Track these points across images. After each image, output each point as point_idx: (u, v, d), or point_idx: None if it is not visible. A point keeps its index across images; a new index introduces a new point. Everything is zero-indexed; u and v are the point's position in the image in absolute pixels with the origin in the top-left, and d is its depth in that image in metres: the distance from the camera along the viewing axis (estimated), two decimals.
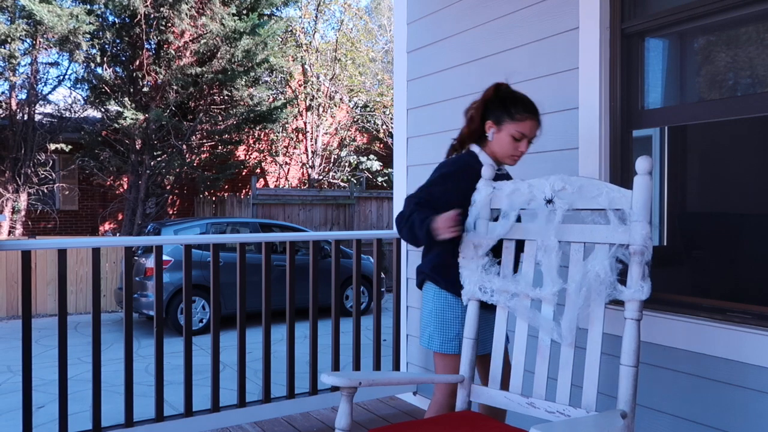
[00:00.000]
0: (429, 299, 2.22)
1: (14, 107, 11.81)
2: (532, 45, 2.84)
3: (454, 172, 2.15)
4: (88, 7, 11.27)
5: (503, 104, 2.16)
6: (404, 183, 3.70)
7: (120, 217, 13.44)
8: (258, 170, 15.24)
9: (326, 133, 15.80)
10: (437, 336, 2.17)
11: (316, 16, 15.66)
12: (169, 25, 11.64)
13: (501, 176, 2.21)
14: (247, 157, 15.22)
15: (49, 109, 12.43)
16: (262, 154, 15.39)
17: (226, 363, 5.32)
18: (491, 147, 2.19)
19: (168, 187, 13.12)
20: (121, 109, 11.43)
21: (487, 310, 2.14)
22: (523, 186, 1.94)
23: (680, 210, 2.64)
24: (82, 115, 12.62)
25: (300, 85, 15.44)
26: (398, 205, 3.75)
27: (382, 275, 8.99)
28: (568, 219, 1.85)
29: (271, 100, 14.13)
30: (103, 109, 12.17)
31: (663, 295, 2.32)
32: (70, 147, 12.07)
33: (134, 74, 11.89)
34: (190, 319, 3.05)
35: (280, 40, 13.85)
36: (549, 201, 1.87)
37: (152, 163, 12.08)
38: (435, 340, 2.18)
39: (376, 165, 15.94)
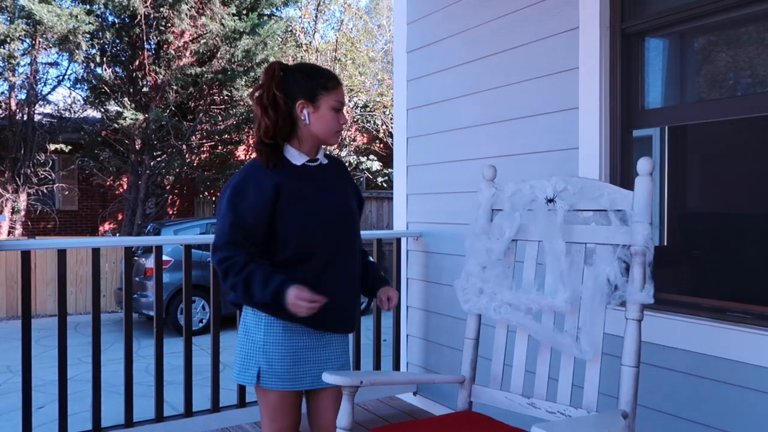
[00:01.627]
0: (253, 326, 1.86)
1: (14, 107, 11.80)
2: (532, 45, 2.84)
3: (245, 195, 1.78)
4: (88, 7, 11.26)
5: (309, 77, 1.85)
6: (404, 183, 3.70)
7: (120, 217, 13.44)
8: None
9: None
10: (252, 368, 1.84)
11: (316, 16, 15.66)
12: (169, 25, 11.63)
13: (317, 168, 1.90)
14: (247, 157, 15.20)
15: (48, 109, 12.43)
16: None
17: (226, 363, 5.30)
18: (310, 130, 1.85)
19: (168, 187, 13.11)
20: (120, 109, 11.43)
21: (330, 331, 1.89)
22: (524, 187, 1.94)
23: (680, 210, 2.64)
24: (81, 116, 12.62)
25: None
26: (399, 206, 3.75)
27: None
28: (568, 219, 1.85)
29: None
30: (102, 109, 12.16)
31: (663, 295, 2.32)
32: (69, 147, 12.06)
33: (134, 74, 11.88)
34: (190, 319, 3.05)
35: (280, 40, 13.84)
36: (550, 200, 1.87)
37: (152, 163, 12.08)
38: (250, 372, 1.84)
39: (376, 165, 15.93)
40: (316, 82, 1.84)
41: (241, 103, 12.92)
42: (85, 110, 12.65)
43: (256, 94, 1.85)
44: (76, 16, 10.72)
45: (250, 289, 1.75)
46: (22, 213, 11.93)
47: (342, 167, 2.02)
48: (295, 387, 1.85)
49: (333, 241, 1.86)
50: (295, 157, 1.87)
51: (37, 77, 12.01)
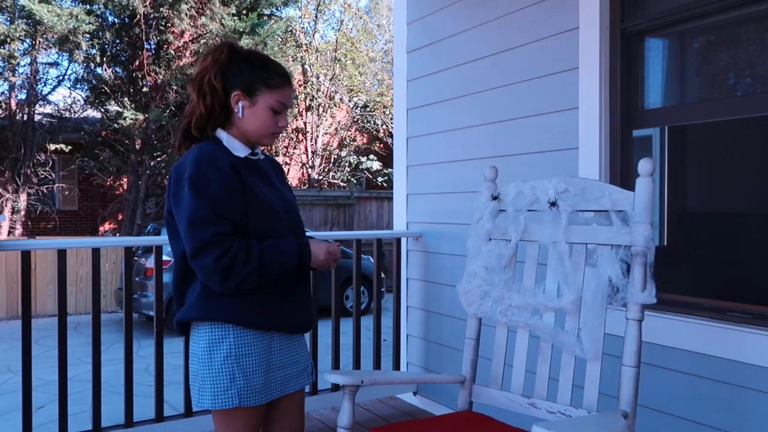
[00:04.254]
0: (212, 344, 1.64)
1: (14, 107, 11.80)
2: (532, 45, 2.84)
3: (210, 178, 1.58)
4: (88, 7, 11.26)
5: (252, 68, 1.67)
6: (404, 183, 3.70)
7: (120, 217, 13.44)
8: None
9: (326, 133, 15.80)
10: (212, 388, 1.65)
11: (316, 16, 15.66)
12: (169, 25, 11.63)
13: (258, 162, 1.75)
14: None
15: (48, 109, 12.43)
16: None
17: None
18: (242, 125, 1.69)
19: None
20: (120, 110, 11.43)
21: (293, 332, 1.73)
22: (525, 188, 1.94)
23: (680, 210, 2.64)
24: (81, 116, 12.62)
25: (300, 85, 15.43)
26: (399, 206, 3.75)
27: (382, 275, 8.99)
28: (570, 220, 1.85)
29: None
30: (102, 110, 12.17)
31: (663, 295, 2.32)
32: (69, 147, 12.06)
33: (134, 74, 11.88)
34: None
35: (280, 40, 13.84)
36: (553, 204, 1.87)
37: (152, 163, 12.08)
38: (207, 394, 1.66)
39: (376, 165, 15.93)
40: (258, 75, 1.66)
41: None
42: (85, 110, 12.66)
43: (198, 77, 1.66)
44: (76, 16, 10.72)
45: (267, 269, 1.58)
46: (22, 213, 11.93)
47: (279, 166, 1.89)
48: (269, 398, 1.67)
49: (291, 227, 1.73)
50: (237, 148, 1.69)
51: (37, 77, 12.01)
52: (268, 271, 1.59)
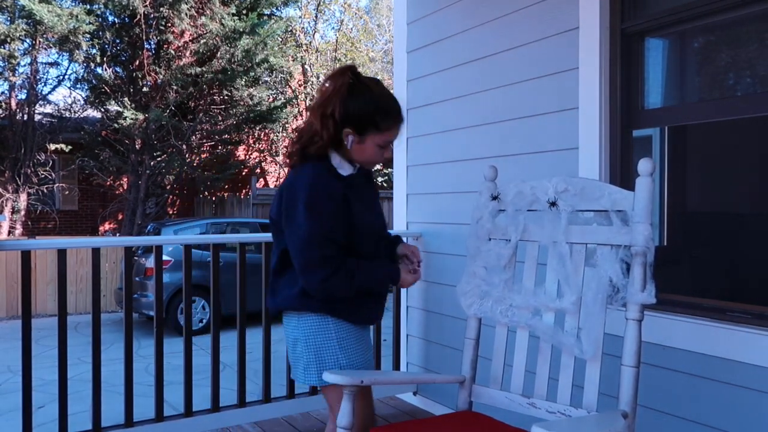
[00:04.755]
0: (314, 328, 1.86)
1: (14, 107, 11.81)
2: (532, 45, 2.84)
3: (323, 206, 1.76)
4: (88, 7, 11.27)
5: (368, 109, 1.80)
6: (404, 183, 3.70)
7: (120, 217, 13.44)
8: (258, 170, 15.24)
9: None
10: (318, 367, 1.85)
11: (316, 16, 15.67)
12: (169, 25, 11.64)
13: (360, 176, 1.91)
14: (247, 157, 15.22)
15: (48, 109, 12.44)
16: (262, 154, 15.39)
17: (226, 363, 5.31)
18: (350, 154, 1.85)
19: (168, 187, 13.12)
20: (121, 109, 11.43)
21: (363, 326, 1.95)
22: (525, 188, 1.94)
23: (680, 210, 2.65)
24: (81, 115, 12.63)
25: (300, 85, 15.44)
26: (399, 206, 3.75)
27: None
28: (569, 220, 1.85)
29: (270, 100, 14.13)
30: (103, 109, 12.17)
31: (663, 295, 2.32)
32: (70, 147, 12.07)
33: (134, 74, 11.89)
34: (190, 319, 3.05)
35: (280, 40, 13.85)
36: (552, 203, 1.87)
37: (152, 163, 12.08)
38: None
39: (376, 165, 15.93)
40: (371, 119, 1.80)
41: (241, 103, 12.92)
42: (86, 110, 12.66)
43: (321, 106, 1.79)
44: (77, 16, 10.73)
45: (360, 292, 1.83)
46: (23, 213, 11.94)
47: (370, 176, 2.04)
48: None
49: (382, 239, 1.97)
50: (344, 168, 1.85)
51: (38, 77, 12.02)
52: (361, 292, 1.84)
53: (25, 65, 11.79)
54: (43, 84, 12.22)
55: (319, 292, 1.78)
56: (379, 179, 15.99)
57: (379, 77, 15.04)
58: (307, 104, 15.34)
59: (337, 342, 1.84)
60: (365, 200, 1.90)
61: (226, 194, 14.09)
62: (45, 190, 12.05)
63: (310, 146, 1.82)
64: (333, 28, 16.66)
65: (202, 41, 11.87)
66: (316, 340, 1.84)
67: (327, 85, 1.82)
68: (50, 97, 12.41)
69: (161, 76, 11.67)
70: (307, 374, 1.85)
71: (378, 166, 15.82)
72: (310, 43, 15.46)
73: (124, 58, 12.10)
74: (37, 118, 12.10)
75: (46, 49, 11.70)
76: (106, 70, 11.83)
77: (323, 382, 1.81)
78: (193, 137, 12.45)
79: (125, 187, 12.78)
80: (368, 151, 1.85)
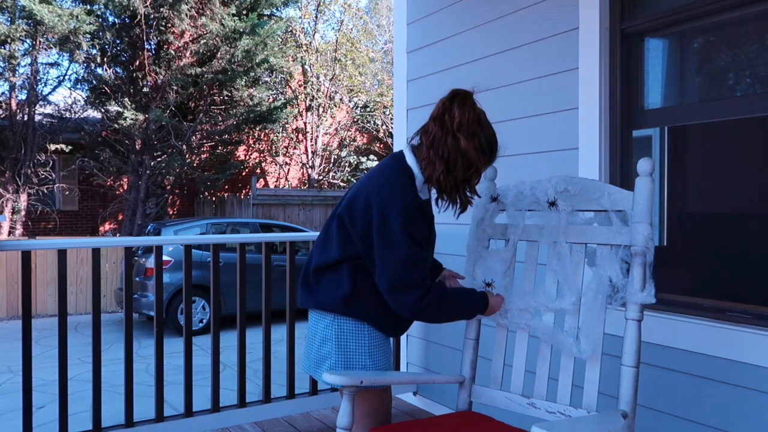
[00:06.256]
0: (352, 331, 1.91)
1: (14, 108, 11.80)
2: (532, 45, 2.84)
3: (418, 230, 1.83)
4: (88, 7, 11.27)
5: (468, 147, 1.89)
6: None
7: (120, 217, 13.45)
8: (258, 170, 15.24)
9: (326, 134, 15.80)
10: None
11: (316, 17, 15.66)
12: (169, 25, 11.64)
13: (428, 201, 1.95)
14: (247, 157, 15.22)
15: (49, 109, 12.44)
16: (262, 155, 15.40)
17: (226, 363, 5.32)
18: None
19: (168, 188, 13.12)
20: (121, 110, 11.43)
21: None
22: (525, 188, 1.94)
23: (680, 210, 2.64)
24: (82, 116, 12.63)
25: (300, 86, 15.44)
26: None
27: None
28: (569, 220, 1.85)
29: (271, 100, 14.14)
30: (103, 110, 12.17)
31: (663, 295, 2.32)
32: (70, 147, 12.07)
33: (134, 74, 11.89)
34: (190, 319, 3.05)
35: (280, 40, 13.85)
36: (552, 204, 1.87)
37: (152, 163, 12.08)
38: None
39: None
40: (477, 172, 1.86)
41: (241, 103, 12.93)
42: (86, 110, 12.66)
43: (436, 142, 1.92)
44: (77, 17, 10.73)
45: (449, 317, 1.88)
46: (23, 213, 11.94)
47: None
48: None
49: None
50: (424, 192, 1.89)
51: (38, 77, 12.02)
52: (450, 318, 1.89)
53: (25, 66, 11.80)
54: (43, 84, 12.22)
55: (409, 313, 1.82)
56: None
57: (379, 77, 14.96)
58: (307, 104, 15.35)
59: (368, 349, 1.89)
60: (431, 226, 1.96)
61: (226, 194, 14.10)
62: (45, 191, 12.05)
63: (444, 187, 1.85)
64: (333, 28, 16.66)
65: (202, 42, 11.88)
66: (348, 345, 1.88)
67: (438, 118, 2.03)
68: (50, 98, 12.41)
69: (161, 77, 11.67)
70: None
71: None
72: (310, 43, 15.46)
73: (124, 59, 12.10)
74: (37, 118, 12.10)
75: (46, 49, 11.70)
76: (106, 70, 11.83)
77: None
78: (193, 137, 12.45)
79: (125, 188, 12.78)
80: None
